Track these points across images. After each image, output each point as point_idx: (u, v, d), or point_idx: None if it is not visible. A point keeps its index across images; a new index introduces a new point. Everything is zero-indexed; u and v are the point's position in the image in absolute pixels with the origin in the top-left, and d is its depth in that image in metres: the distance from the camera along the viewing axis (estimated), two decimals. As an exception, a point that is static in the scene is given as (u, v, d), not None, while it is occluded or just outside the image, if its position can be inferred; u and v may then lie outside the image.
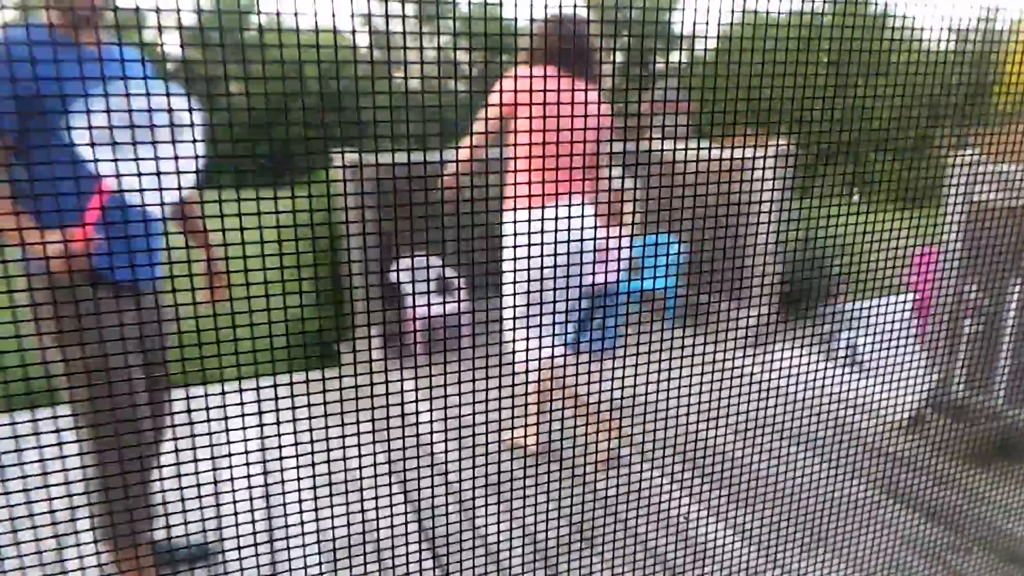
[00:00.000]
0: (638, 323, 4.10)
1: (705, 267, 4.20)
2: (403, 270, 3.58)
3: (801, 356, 3.05)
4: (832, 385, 2.50)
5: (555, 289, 2.05)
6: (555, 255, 1.91)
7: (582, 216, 2.14)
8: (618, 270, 2.76)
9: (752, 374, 3.31)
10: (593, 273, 2.63)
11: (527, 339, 2.10)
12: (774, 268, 3.64)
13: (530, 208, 2.23)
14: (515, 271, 2.27)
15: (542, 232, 1.76)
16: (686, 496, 2.27)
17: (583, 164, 2.27)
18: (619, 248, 2.75)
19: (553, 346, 2.41)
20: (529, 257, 1.97)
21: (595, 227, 2.42)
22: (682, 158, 4.01)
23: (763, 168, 3.55)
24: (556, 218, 1.81)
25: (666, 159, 4.39)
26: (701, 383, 2.86)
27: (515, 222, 2.31)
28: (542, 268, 1.90)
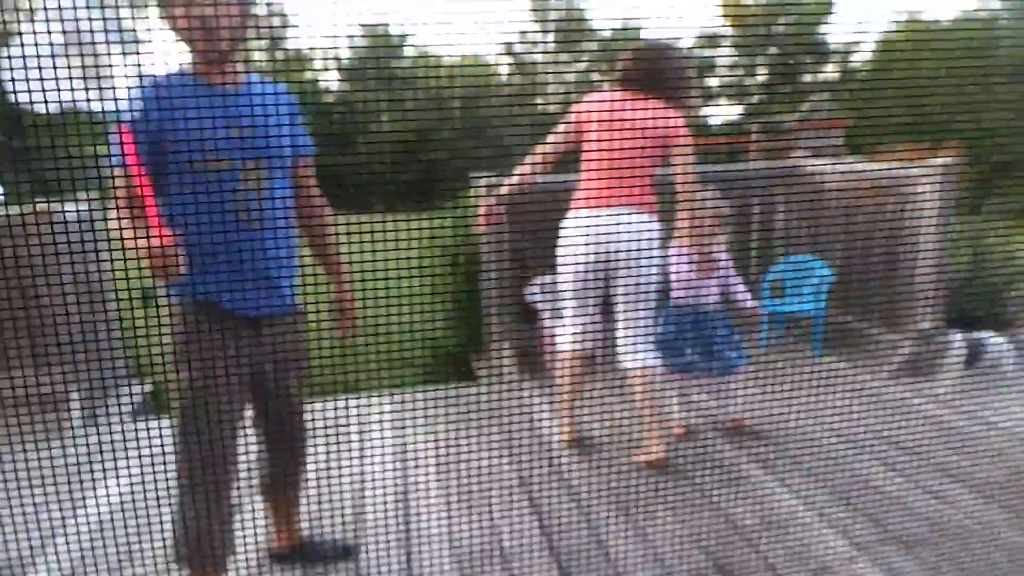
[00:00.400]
0: (767, 346, 3.91)
1: (856, 291, 3.94)
2: (538, 289, 3.64)
3: (967, 387, 2.78)
4: (1006, 421, 2.26)
5: (583, 285, 2.49)
6: (576, 252, 2.46)
7: (627, 223, 2.38)
8: (715, 291, 2.70)
9: (910, 404, 3.05)
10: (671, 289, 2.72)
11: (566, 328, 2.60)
12: (936, 292, 3.35)
13: (577, 211, 2.50)
14: (561, 266, 2.55)
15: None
16: (834, 534, 2.13)
17: (639, 175, 2.40)
18: (716, 268, 2.69)
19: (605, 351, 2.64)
20: (565, 254, 2.55)
21: (648, 235, 2.45)
22: (832, 175, 3.83)
23: (924, 185, 3.30)
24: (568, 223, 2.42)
25: (814, 177, 4.21)
26: (850, 412, 2.68)
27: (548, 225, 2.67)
28: (568, 263, 2.48)
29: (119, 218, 1.45)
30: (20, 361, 3.42)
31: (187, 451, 1.60)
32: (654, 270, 2.48)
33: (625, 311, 2.53)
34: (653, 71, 2.44)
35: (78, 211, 3.05)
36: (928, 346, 3.20)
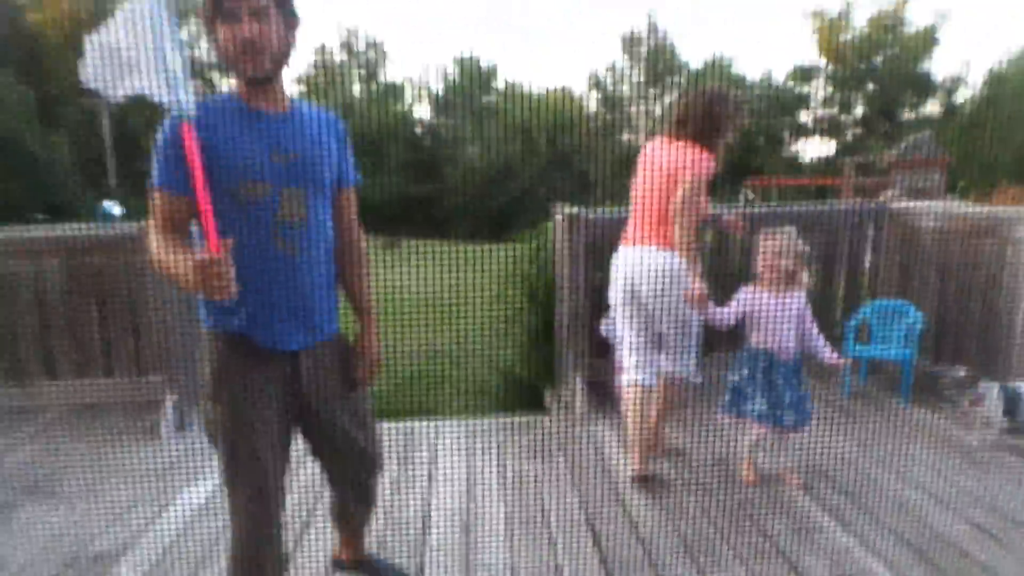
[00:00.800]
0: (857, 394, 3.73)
1: (950, 338, 3.72)
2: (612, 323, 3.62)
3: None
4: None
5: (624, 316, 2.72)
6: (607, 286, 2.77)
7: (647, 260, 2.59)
8: (796, 338, 2.60)
9: (1001, 461, 2.85)
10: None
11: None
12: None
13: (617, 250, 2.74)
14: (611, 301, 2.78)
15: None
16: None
17: (659, 213, 2.58)
18: (790, 313, 2.57)
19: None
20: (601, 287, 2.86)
21: (663, 270, 2.60)
22: (930, 216, 3.67)
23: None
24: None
25: (911, 218, 4.03)
26: (934, 467, 2.54)
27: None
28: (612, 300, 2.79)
29: (159, 241, 1.41)
30: (124, 368, 3.69)
31: (231, 484, 1.59)
32: (672, 301, 2.63)
33: (659, 336, 2.75)
34: (685, 116, 2.59)
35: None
36: (962, 395, 3.04)
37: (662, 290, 2.61)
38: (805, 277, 2.65)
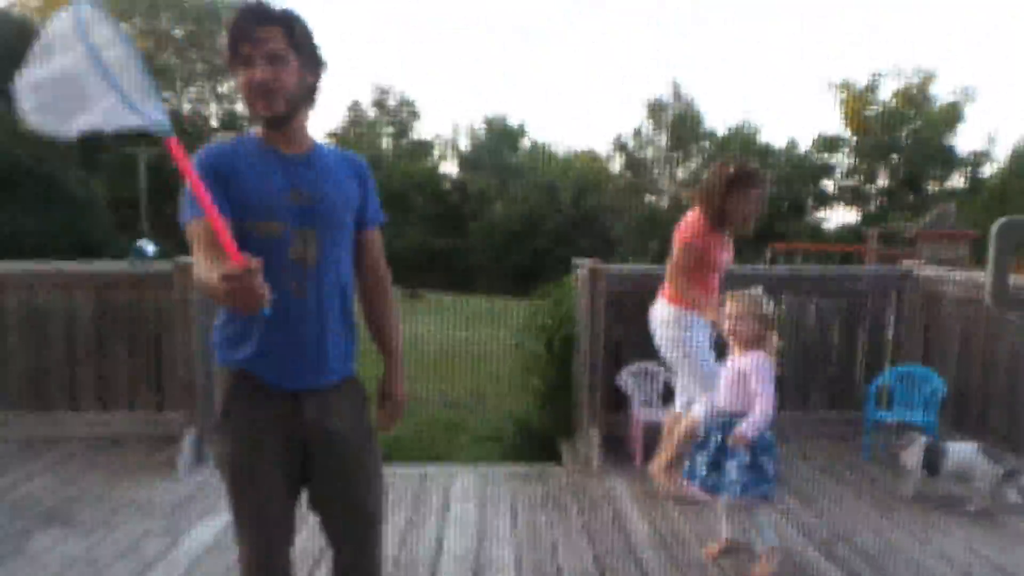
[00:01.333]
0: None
1: (972, 407, 3.66)
2: (630, 376, 3.61)
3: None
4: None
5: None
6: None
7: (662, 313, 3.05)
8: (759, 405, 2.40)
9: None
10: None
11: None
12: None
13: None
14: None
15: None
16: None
17: (668, 270, 3.04)
18: (754, 378, 2.42)
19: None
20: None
21: (658, 316, 3.07)
22: (955, 284, 3.66)
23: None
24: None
25: (935, 284, 4.01)
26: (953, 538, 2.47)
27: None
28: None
29: (200, 264, 1.37)
30: (146, 402, 3.74)
31: (236, 516, 1.55)
32: (667, 343, 3.04)
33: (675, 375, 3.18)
34: (696, 186, 3.06)
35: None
36: (893, 442, 3.11)
37: (660, 334, 3.07)
38: (774, 340, 2.49)
